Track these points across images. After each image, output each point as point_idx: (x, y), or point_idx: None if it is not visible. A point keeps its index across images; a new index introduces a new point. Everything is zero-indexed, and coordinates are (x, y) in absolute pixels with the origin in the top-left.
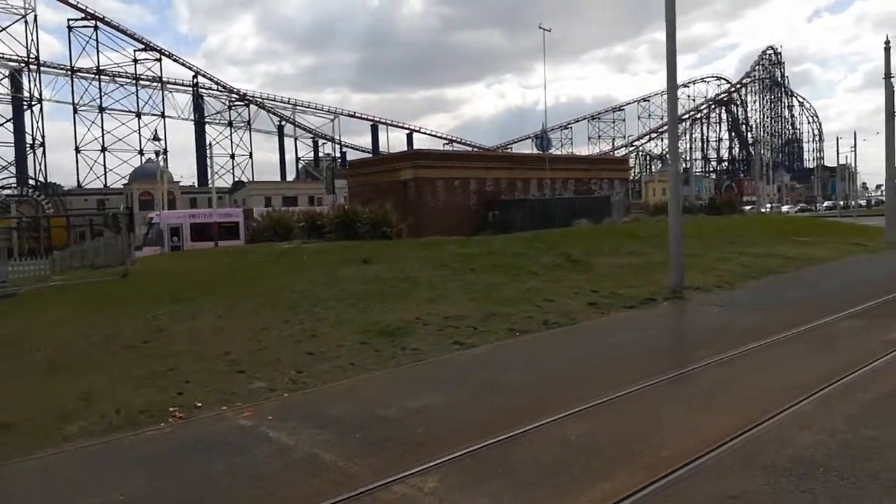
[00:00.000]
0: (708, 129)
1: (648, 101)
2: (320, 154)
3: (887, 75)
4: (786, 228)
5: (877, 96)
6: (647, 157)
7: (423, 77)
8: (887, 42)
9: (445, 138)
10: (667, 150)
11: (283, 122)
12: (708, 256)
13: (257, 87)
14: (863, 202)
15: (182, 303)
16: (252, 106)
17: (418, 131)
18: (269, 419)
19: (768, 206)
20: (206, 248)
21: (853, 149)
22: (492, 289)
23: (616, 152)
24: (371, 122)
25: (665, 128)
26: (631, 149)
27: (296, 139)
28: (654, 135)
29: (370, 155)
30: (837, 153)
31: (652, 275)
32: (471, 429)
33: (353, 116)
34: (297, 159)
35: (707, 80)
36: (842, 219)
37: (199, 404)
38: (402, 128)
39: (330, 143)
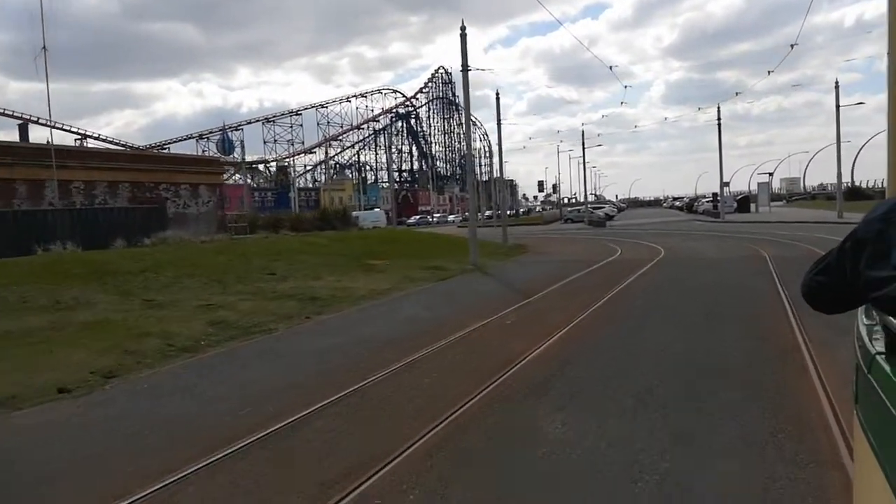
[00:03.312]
0: (391, 140)
1: (326, 107)
2: None
3: (465, 91)
4: (371, 248)
5: (538, 121)
6: (337, 165)
7: (105, 69)
8: (463, 28)
9: (81, 134)
10: (353, 159)
11: None
12: (187, 305)
13: None
14: (521, 210)
15: None
16: None
17: (34, 121)
18: None
19: (435, 216)
20: None
21: (505, 163)
22: None
23: (294, 158)
24: None
25: (346, 135)
26: (312, 155)
27: None
28: (334, 142)
29: None
30: (490, 168)
31: None
32: None
33: None
34: None
35: (384, 91)
36: (483, 228)
37: None
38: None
39: None
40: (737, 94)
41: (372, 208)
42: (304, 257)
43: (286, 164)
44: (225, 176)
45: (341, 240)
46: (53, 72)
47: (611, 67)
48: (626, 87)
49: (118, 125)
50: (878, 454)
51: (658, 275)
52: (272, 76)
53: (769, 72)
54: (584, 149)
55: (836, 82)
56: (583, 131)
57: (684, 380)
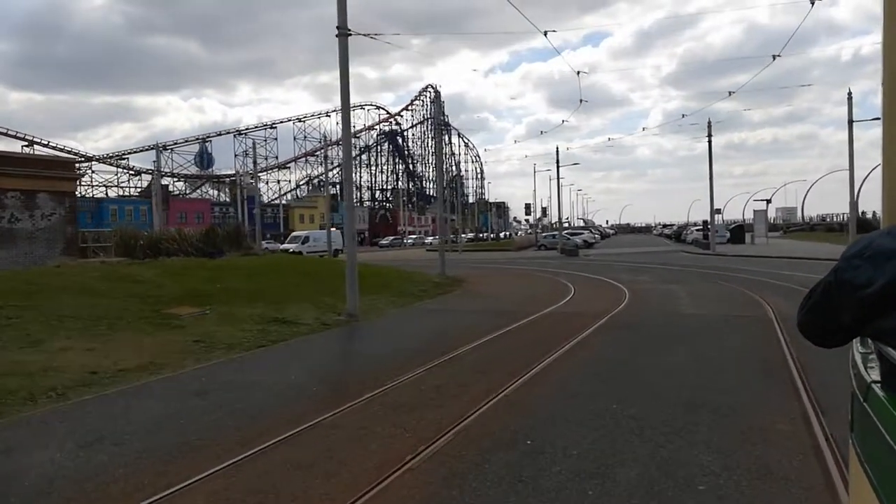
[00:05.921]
0: (378, 158)
1: (304, 121)
2: None
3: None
4: (217, 284)
5: (535, 144)
6: (320, 182)
7: (107, 81)
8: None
9: (26, 140)
10: (335, 177)
11: None
12: None
13: None
14: (507, 233)
15: None
16: None
17: None
18: None
19: (411, 238)
20: None
21: (490, 184)
22: None
23: (268, 173)
24: None
25: (325, 151)
26: (286, 169)
27: None
28: (311, 158)
29: None
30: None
31: None
32: None
33: None
34: None
35: (366, 107)
36: (435, 252)
37: None
38: None
39: None
40: (730, 93)
41: (340, 227)
42: (69, 301)
43: (246, 178)
44: (197, 192)
45: (180, 271)
46: (55, 83)
47: (578, 73)
48: (578, 73)
49: (116, 138)
50: (874, 482)
51: (597, 352)
52: (273, 94)
53: (774, 56)
54: (557, 168)
55: (849, 93)
56: (557, 148)
57: None
